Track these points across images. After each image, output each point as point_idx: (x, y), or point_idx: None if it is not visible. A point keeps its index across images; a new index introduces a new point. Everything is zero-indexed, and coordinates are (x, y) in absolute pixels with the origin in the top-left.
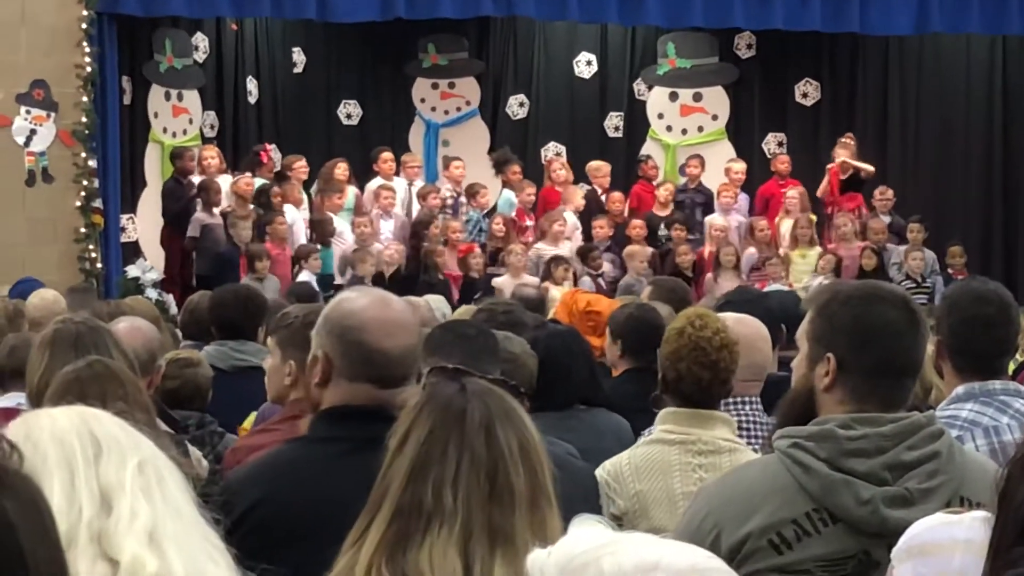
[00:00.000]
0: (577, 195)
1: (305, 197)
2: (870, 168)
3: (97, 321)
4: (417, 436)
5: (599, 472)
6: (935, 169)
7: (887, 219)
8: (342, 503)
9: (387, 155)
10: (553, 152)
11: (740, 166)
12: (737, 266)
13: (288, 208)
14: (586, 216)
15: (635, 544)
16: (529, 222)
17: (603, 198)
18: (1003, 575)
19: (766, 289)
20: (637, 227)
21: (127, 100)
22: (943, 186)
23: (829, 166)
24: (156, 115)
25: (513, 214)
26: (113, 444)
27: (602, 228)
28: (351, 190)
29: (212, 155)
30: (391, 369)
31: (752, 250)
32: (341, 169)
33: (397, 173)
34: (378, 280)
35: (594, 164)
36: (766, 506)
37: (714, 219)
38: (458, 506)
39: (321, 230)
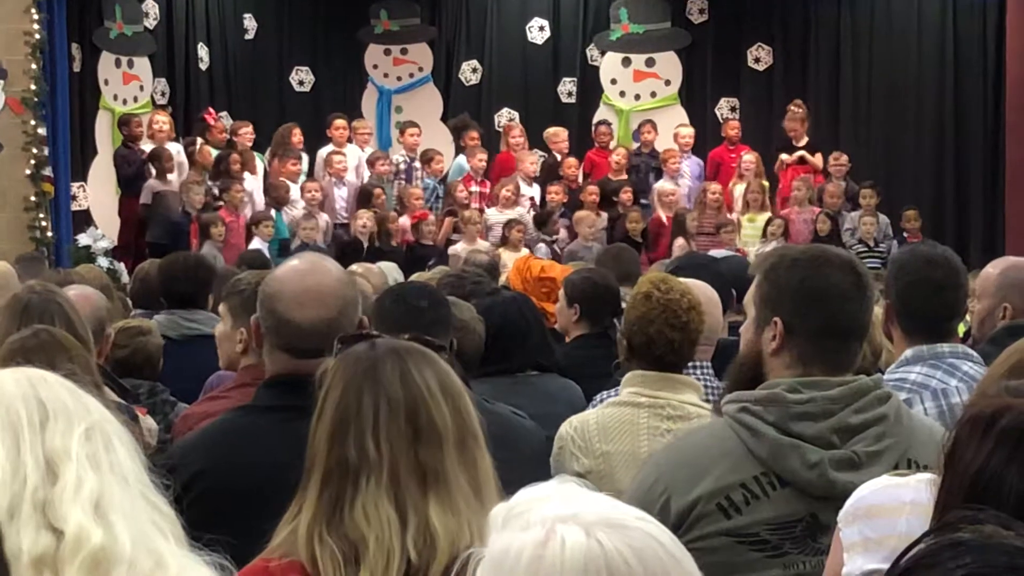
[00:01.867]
0: (528, 161)
1: (261, 164)
2: (817, 163)
3: (53, 289)
4: (333, 398)
5: (565, 428)
6: (888, 134)
7: (842, 184)
8: (283, 471)
9: (340, 122)
10: (507, 118)
11: (688, 131)
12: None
13: (246, 176)
14: (543, 182)
15: (564, 497)
16: (476, 187)
17: (560, 164)
18: (932, 538)
19: (716, 253)
20: (591, 193)
21: (77, 67)
22: (896, 151)
23: (781, 164)
24: (106, 82)
25: (459, 183)
26: (60, 409)
27: (557, 194)
28: (303, 157)
29: (163, 121)
30: (301, 340)
31: (695, 215)
32: (297, 135)
33: (350, 140)
34: (354, 248)
35: (551, 130)
36: (715, 470)
37: (663, 185)
38: (382, 454)
39: (276, 195)
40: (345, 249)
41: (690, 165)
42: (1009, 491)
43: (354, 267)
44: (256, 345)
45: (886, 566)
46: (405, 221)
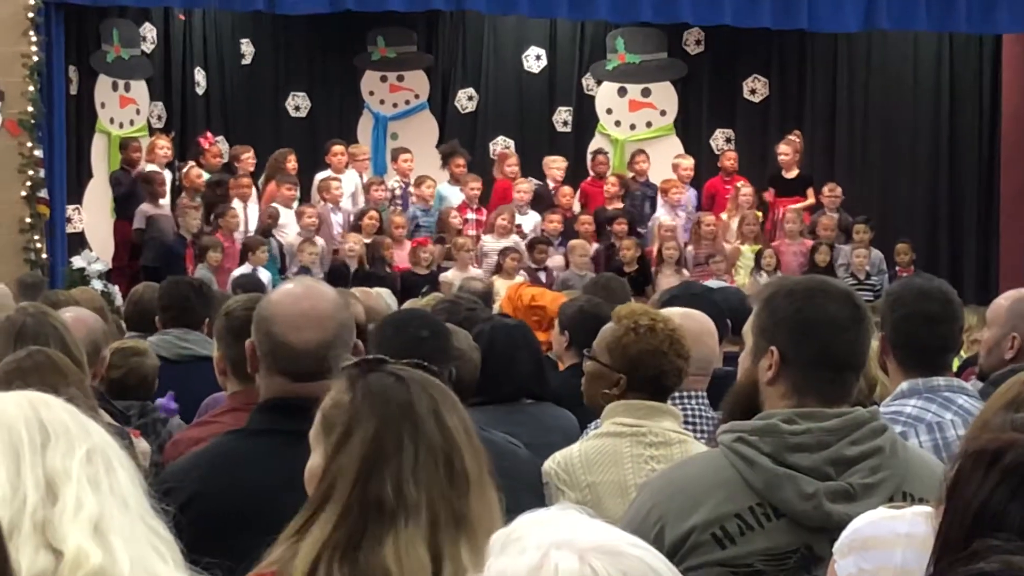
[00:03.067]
0: (518, 188)
1: (254, 191)
2: (810, 197)
3: (47, 311)
4: (364, 431)
5: (549, 464)
6: (882, 167)
7: (835, 216)
8: (280, 494)
9: (339, 148)
10: (502, 146)
11: (688, 162)
12: (679, 261)
13: (238, 202)
14: (537, 210)
15: (560, 523)
16: (471, 215)
17: (555, 192)
18: (958, 570)
19: (709, 284)
20: (585, 223)
21: (74, 90)
22: (890, 184)
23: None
24: (103, 105)
25: (452, 210)
26: (61, 431)
27: (553, 223)
28: (298, 183)
29: (164, 145)
30: (297, 363)
31: (690, 248)
32: (292, 161)
33: (347, 166)
34: (341, 273)
35: (550, 157)
36: (710, 500)
37: (664, 219)
38: (421, 498)
39: (263, 221)
40: (334, 273)
41: (688, 196)
42: (1012, 527)
43: (354, 291)
44: (251, 369)
45: None
46: (402, 245)
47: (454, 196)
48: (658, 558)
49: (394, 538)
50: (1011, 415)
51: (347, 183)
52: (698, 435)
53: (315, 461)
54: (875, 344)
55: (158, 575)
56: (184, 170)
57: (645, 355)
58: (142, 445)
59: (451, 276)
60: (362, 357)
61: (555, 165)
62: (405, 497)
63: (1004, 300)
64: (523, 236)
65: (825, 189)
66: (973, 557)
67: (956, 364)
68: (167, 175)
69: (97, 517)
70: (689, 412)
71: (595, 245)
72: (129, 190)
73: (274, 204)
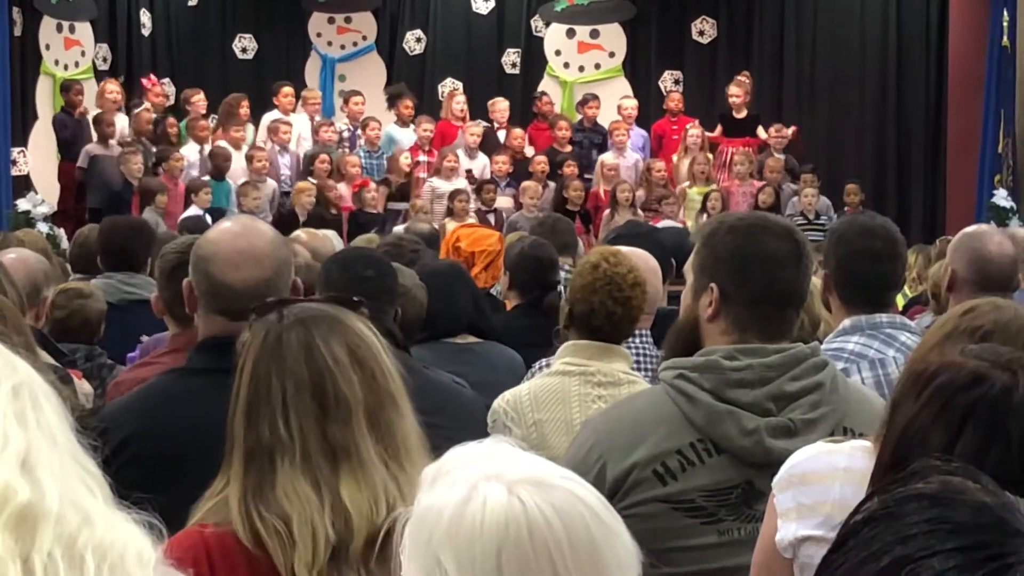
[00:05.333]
0: (470, 132)
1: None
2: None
3: None
4: (246, 376)
5: (498, 403)
6: (830, 107)
7: (781, 158)
8: (216, 434)
9: (288, 90)
10: (451, 88)
11: (631, 103)
12: (633, 203)
13: (190, 145)
14: (485, 153)
15: (491, 456)
16: (423, 157)
17: (500, 134)
18: (896, 490)
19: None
20: (540, 163)
21: (17, 31)
22: (838, 124)
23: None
24: (48, 47)
25: (392, 150)
26: None
27: (502, 164)
28: (248, 126)
29: (114, 90)
30: (236, 302)
31: (640, 192)
32: (245, 107)
33: (294, 108)
34: (292, 218)
35: (493, 100)
36: (651, 437)
37: (605, 158)
38: (293, 434)
39: (216, 163)
40: (285, 218)
41: (634, 137)
42: (935, 446)
43: (299, 233)
44: (188, 309)
45: (820, 532)
46: (345, 189)
47: (404, 138)
48: (589, 490)
49: (280, 477)
50: (962, 346)
51: (296, 126)
52: (642, 373)
53: None
54: (818, 282)
55: (87, 510)
56: (136, 112)
57: (580, 292)
58: (84, 387)
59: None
60: (273, 300)
61: (498, 107)
62: (280, 436)
63: (959, 234)
64: (472, 180)
65: (772, 130)
66: (912, 477)
67: (902, 303)
68: (123, 119)
69: (24, 452)
70: (633, 350)
71: (551, 186)
72: (74, 133)
73: (223, 143)
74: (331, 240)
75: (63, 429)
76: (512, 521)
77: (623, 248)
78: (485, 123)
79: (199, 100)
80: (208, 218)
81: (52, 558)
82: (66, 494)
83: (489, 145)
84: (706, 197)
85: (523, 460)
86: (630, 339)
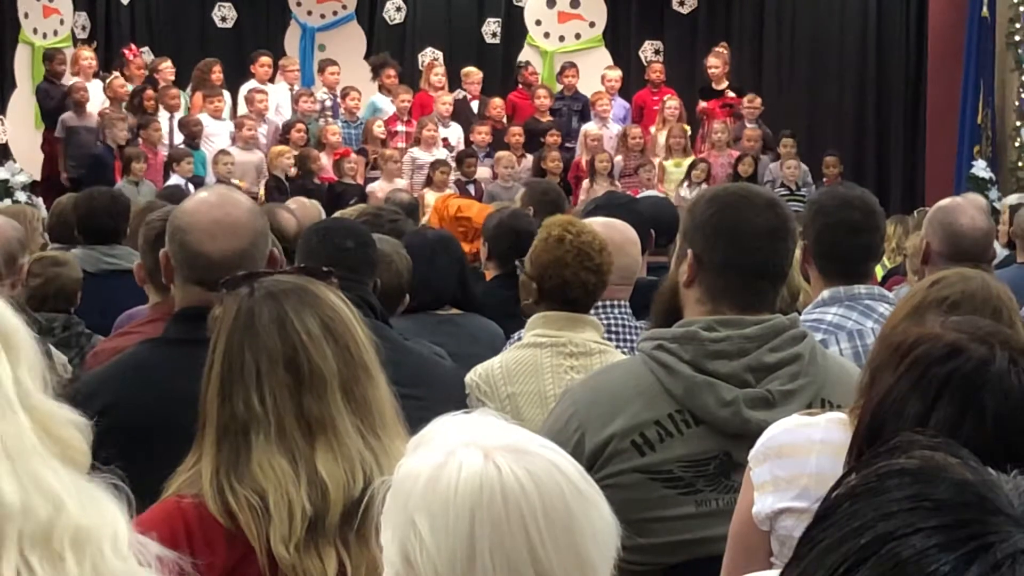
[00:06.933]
0: (442, 101)
1: (183, 101)
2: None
3: None
4: (219, 352)
5: (471, 376)
6: (810, 79)
7: (758, 128)
8: (192, 404)
9: (266, 59)
10: (431, 58)
11: (615, 73)
12: (612, 172)
13: (165, 113)
14: (461, 123)
15: (473, 424)
16: (401, 127)
17: (474, 105)
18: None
19: (638, 195)
20: (515, 134)
21: None
22: (818, 96)
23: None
24: (26, 15)
25: (377, 120)
26: None
27: (482, 134)
28: (224, 94)
29: (88, 56)
30: (212, 272)
31: (619, 158)
32: (217, 72)
33: (272, 78)
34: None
35: (466, 70)
36: (630, 407)
37: (589, 128)
38: (267, 408)
39: (187, 131)
40: (277, 186)
41: (616, 108)
42: (910, 418)
43: (290, 202)
44: (166, 279)
45: (796, 504)
46: (326, 160)
47: (388, 107)
48: (566, 458)
49: (256, 452)
50: (943, 318)
51: (274, 95)
52: (620, 344)
53: None
54: (797, 253)
55: (56, 494)
56: (108, 80)
57: (550, 265)
58: (59, 357)
59: (377, 187)
60: (234, 275)
61: (472, 78)
62: (254, 410)
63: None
64: (450, 149)
65: (744, 100)
66: (894, 451)
67: (881, 273)
68: (97, 85)
69: None
70: (612, 321)
71: (528, 156)
72: (59, 103)
73: (204, 115)
74: (318, 209)
75: (24, 392)
76: (487, 485)
77: (599, 219)
78: (462, 92)
79: (167, 68)
80: (191, 187)
81: (27, 563)
82: (29, 480)
83: (462, 115)
84: (691, 167)
85: (503, 428)
86: (608, 310)
